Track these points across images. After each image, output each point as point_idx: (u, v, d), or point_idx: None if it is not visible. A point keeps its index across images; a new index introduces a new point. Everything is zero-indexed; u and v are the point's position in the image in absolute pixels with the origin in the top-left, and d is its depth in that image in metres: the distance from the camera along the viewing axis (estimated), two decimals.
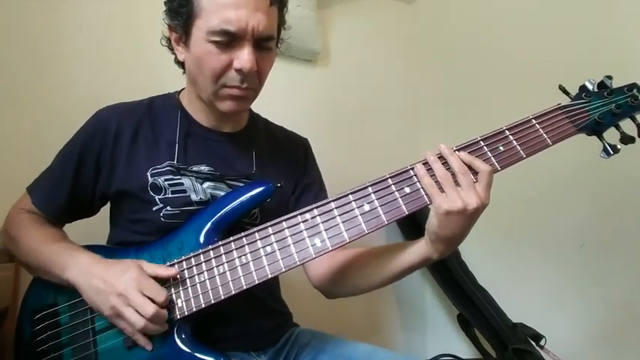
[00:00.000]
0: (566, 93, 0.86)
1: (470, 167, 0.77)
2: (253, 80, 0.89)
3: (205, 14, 0.84)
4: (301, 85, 1.69)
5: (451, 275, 1.56)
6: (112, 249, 0.92)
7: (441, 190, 0.76)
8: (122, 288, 0.76)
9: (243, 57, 0.84)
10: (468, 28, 1.83)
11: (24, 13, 1.31)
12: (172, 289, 0.82)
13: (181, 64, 0.96)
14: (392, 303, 1.66)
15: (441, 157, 0.78)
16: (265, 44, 0.87)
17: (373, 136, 1.80)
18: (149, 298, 0.76)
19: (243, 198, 0.88)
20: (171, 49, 0.95)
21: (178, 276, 0.82)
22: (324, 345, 0.96)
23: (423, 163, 0.79)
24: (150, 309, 0.75)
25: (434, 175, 0.77)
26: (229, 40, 0.84)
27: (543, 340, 1.34)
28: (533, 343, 1.36)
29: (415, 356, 0.96)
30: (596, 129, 0.82)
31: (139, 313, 0.75)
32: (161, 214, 0.90)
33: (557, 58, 1.51)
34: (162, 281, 0.81)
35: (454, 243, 0.79)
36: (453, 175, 0.76)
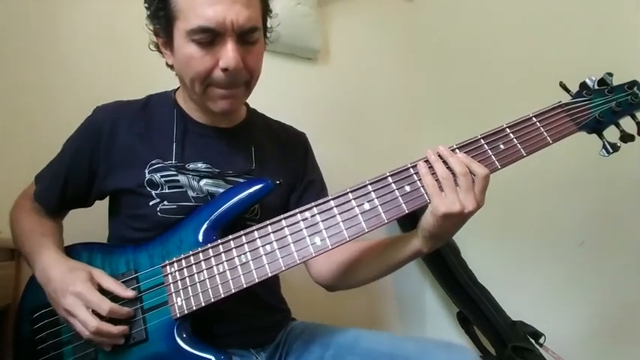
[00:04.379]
0: (567, 90, 0.85)
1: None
2: (241, 77, 0.87)
3: (183, 15, 0.82)
4: (301, 83, 1.68)
5: (451, 273, 1.56)
6: (110, 247, 0.92)
7: (441, 189, 0.75)
8: (67, 302, 0.78)
9: (227, 55, 0.82)
10: (468, 25, 1.83)
11: (25, 11, 1.30)
12: (172, 288, 0.82)
13: (172, 67, 0.94)
14: (392, 301, 1.66)
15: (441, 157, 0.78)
16: (249, 37, 0.85)
17: (373, 134, 1.80)
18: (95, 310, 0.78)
19: (241, 196, 0.88)
20: (162, 54, 0.93)
21: (177, 274, 0.82)
22: (314, 335, 0.95)
23: (425, 161, 0.78)
24: (92, 324, 0.77)
25: (434, 173, 0.77)
26: (211, 37, 0.82)
27: (543, 337, 1.35)
28: (533, 340, 1.36)
29: (393, 334, 0.96)
30: (596, 127, 0.82)
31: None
32: (158, 209, 0.90)
33: (557, 54, 1.51)
34: (159, 281, 0.82)
35: (444, 239, 0.81)
36: (454, 174, 0.76)
